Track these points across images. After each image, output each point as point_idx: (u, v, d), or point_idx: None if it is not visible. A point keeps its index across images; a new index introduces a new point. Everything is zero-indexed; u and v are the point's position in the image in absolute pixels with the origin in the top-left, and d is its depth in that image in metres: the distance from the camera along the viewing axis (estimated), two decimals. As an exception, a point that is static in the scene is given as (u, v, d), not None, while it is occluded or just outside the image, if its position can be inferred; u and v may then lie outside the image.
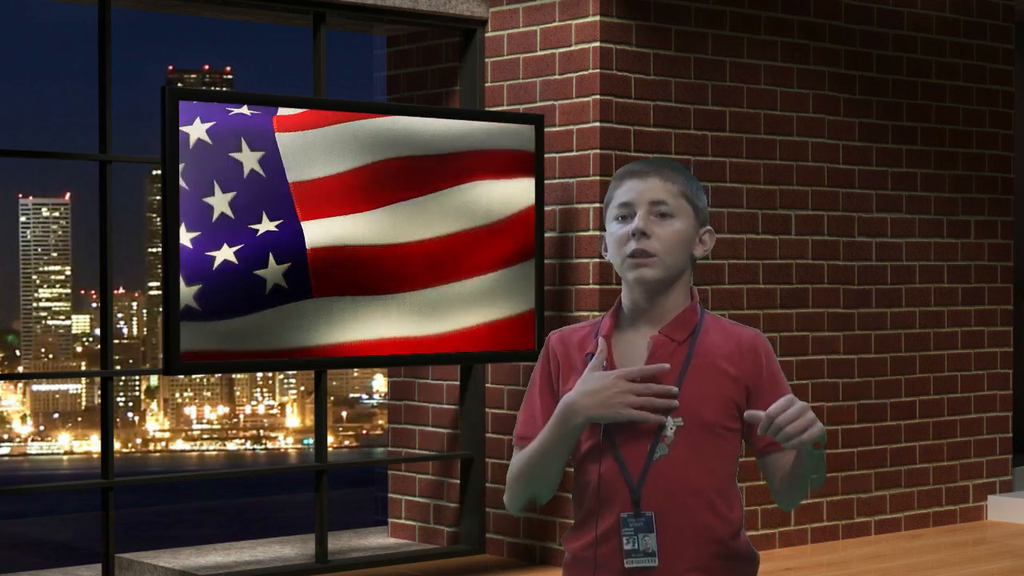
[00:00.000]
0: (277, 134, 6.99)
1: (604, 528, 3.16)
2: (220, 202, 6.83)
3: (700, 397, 3.13)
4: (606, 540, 3.17)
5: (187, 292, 6.76)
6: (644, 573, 3.14)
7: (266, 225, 6.95)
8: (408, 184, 7.36)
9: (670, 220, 3.16)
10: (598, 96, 7.79)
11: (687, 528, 3.12)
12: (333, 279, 7.14)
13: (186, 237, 6.76)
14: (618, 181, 3.20)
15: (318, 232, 7.08)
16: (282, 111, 6.98)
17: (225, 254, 6.85)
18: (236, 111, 6.87)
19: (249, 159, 6.90)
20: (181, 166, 6.74)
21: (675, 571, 3.13)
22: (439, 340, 7.48)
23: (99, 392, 7.39)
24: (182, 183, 6.74)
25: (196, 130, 6.78)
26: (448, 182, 7.48)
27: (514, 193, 7.69)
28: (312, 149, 7.07)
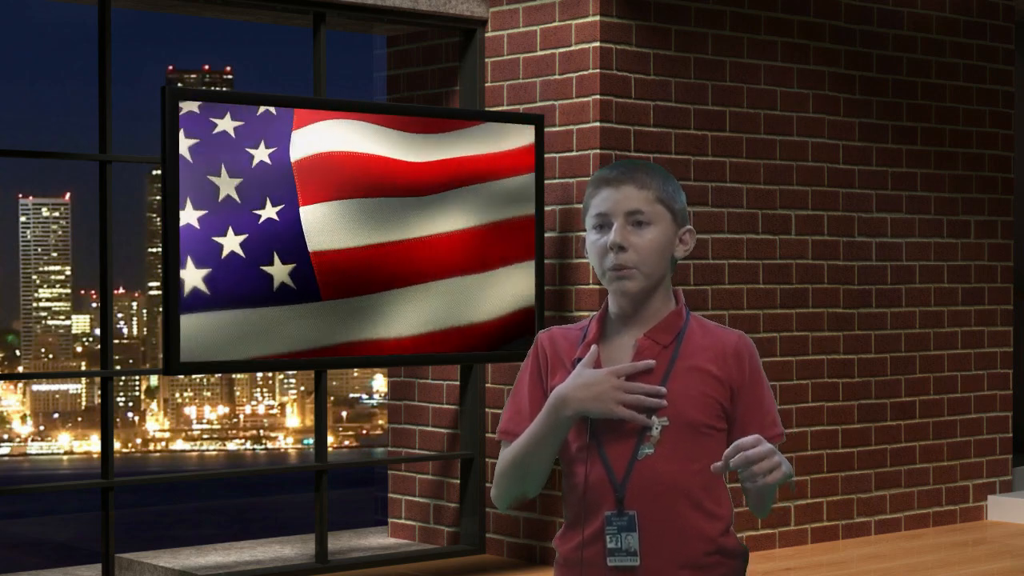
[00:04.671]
0: (294, 131, 7.03)
1: (592, 529, 3.18)
2: (226, 185, 6.85)
3: (685, 397, 3.15)
4: (594, 541, 3.18)
5: (196, 275, 6.78)
6: (627, 572, 3.15)
7: (268, 212, 6.96)
8: (411, 183, 7.36)
9: (647, 228, 3.17)
10: (598, 96, 7.79)
11: (674, 526, 3.14)
12: (339, 282, 7.15)
13: (193, 216, 6.77)
14: (593, 189, 3.21)
15: (316, 225, 7.08)
16: (299, 111, 7.00)
17: (232, 244, 6.87)
18: (263, 110, 6.90)
19: (261, 153, 6.93)
20: (193, 142, 6.76)
21: (663, 569, 3.14)
22: (440, 339, 7.48)
23: (99, 392, 7.40)
24: (190, 159, 6.76)
25: (225, 123, 6.83)
26: (452, 183, 7.49)
27: (515, 194, 7.69)
28: (320, 136, 7.08)
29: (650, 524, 3.14)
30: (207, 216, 6.81)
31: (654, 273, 3.17)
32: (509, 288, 7.68)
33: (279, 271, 7.00)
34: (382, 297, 7.30)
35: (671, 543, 3.14)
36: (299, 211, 7.05)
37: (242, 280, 6.91)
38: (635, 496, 3.14)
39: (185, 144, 6.76)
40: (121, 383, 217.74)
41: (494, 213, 7.63)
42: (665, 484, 3.13)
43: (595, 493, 3.16)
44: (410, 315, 7.38)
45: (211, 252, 6.83)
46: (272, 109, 6.95)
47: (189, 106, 6.75)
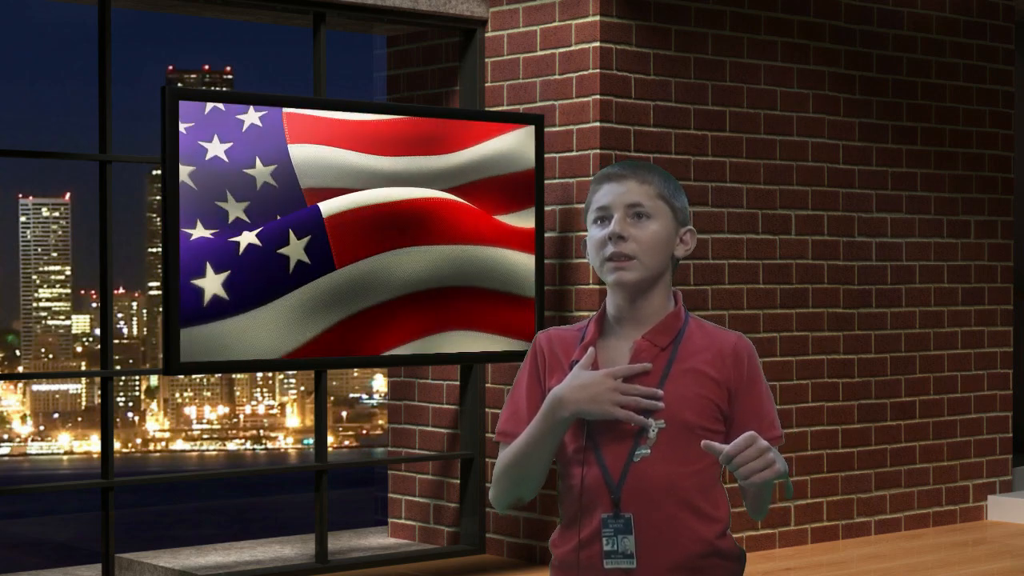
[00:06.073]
0: (290, 145, 7.00)
1: (588, 532, 3.17)
2: (234, 208, 6.84)
3: (682, 400, 3.14)
4: (590, 543, 3.18)
5: (215, 280, 6.77)
6: (623, 574, 3.15)
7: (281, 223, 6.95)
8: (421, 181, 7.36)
9: (647, 221, 3.18)
10: (598, 96, 7.79)
11: (670, 528, 3.14)
12: (354, 242, 7.12)
13: (206, 232, 6.78)
14: (596, 185, 3.22)
15: (333, 205, 7.08)
16: (289, 111, 6.98)
17: (248, 238, 6.87)
18: (249, 123, 6.86)
19: (262, 173, 6.91)
20: (190, 169, 6.74)
21: (659, 571, 3.14)
22: (440, 334, 7.48)
23: (99, 392, 7.39)
24: (192, 184, 6.75)
25: (215, 147, 6.80)
26: (457, 186, 7.49)
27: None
28: (325, 162, 7.07)
29: (646, 526, 3.13)
30: (219, 233, 6.81)
31: (653, 266, 3.17)
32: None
33: (294, 249, 6.98)
34: (392, 257, 7.29)
35: (667, 545, 3.14)
36: (318, 207, 7.05)
37: (260, 273, 6.89)
38: (631, 498, 3.13)
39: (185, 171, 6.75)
40: (121, 383, 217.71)
41: (497, 212, 7.63)
42: (661, 486, 3.13)
43: (591, 495, 3.16)
44: (418, 271, 7.38)
45: (229, 252, 6.82)
46: (258, 121, 6.92)
47: (200, 120, 6.74)
